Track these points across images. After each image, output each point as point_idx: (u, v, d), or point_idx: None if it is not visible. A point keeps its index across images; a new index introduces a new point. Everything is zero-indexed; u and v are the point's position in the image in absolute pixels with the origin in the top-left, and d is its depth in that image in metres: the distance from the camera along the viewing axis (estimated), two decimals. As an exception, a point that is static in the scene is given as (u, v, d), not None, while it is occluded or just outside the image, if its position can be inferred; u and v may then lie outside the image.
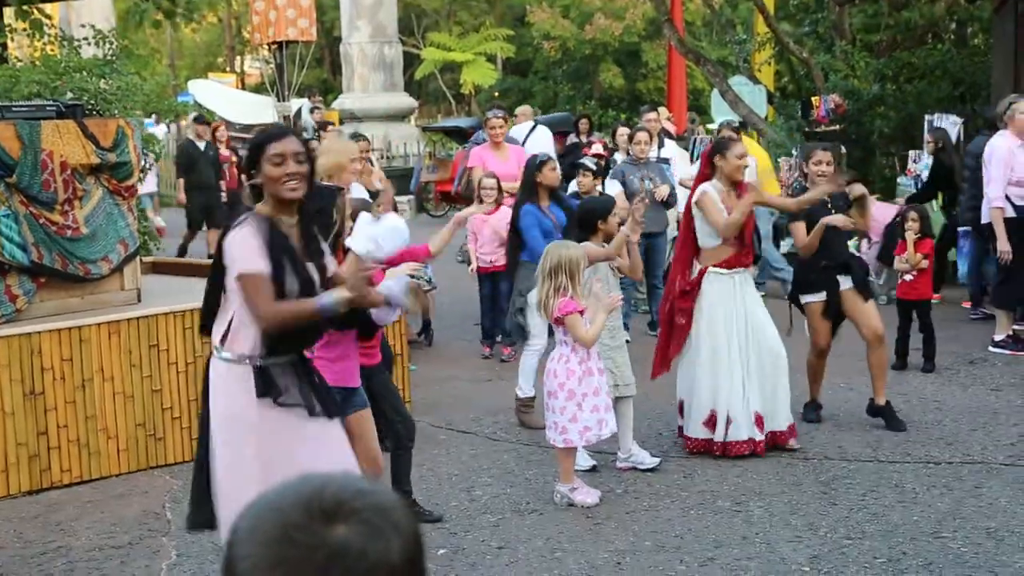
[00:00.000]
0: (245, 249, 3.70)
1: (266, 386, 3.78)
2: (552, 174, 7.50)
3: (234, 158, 14.15)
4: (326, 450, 3.89)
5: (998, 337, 8.58)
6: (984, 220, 8.83)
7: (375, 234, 4.33)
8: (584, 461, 6.07)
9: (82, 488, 6.03)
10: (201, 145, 13.53)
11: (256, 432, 3.78)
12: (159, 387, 6.34)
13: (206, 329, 3.95)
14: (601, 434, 5.63)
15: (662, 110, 14.80)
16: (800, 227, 6.66)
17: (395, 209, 7.41)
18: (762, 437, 6.23)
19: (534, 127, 11.84)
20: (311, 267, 3.87)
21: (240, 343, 3.80)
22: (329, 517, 1.18)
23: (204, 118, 14.51)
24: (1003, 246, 8.38)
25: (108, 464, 6.18)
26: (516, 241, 7.46)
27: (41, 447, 5.95)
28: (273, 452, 3.78)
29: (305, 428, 3.85)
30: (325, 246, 4.03)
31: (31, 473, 5.93)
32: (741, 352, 6.23)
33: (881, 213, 9.23)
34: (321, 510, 1.19)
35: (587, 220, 6.24)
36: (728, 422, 6.20)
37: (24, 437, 5.89)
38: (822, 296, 6.67)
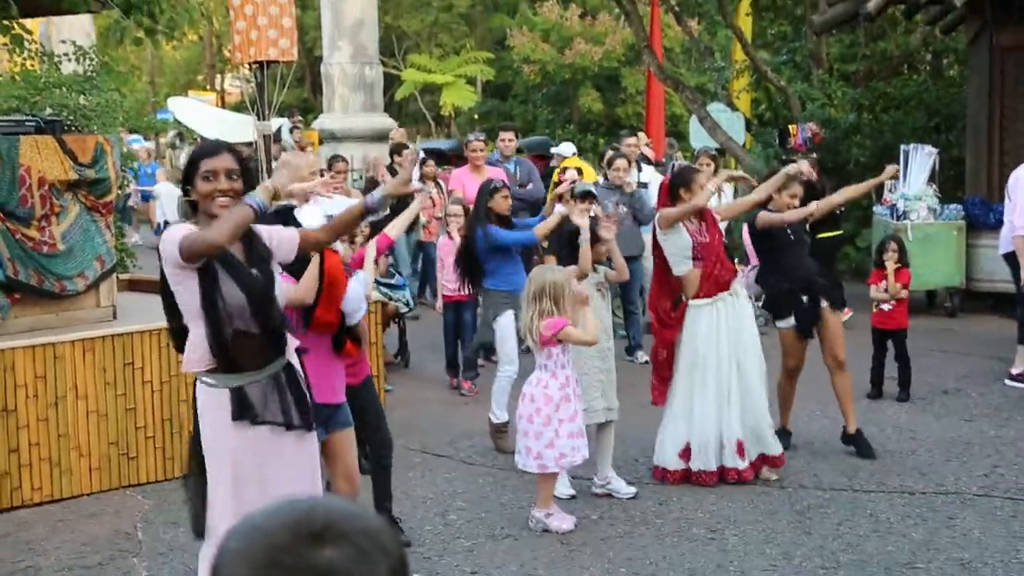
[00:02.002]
0: (177, 230, 3.66)
1: (241, 409, 3.75)
2: (504, 202, 7.29)
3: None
4: (297, 466, 3.87)
5: (1015, 371, 8.48)
6: (1004, 250, 8.78)
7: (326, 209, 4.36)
8: (564, 489, 6.06)
9: (53, 507, 5.97)
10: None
11: (232, 457, 3.76)
12: (133, 405, 6.29)
13: (180, 347, 3.90)
14: (574, 460, 5.64)
15: (641, 135, 14.87)
16: (764, 214, 6.64)
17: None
18: (746, 465, 6.24)
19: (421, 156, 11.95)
20: (256, 272, 3.80)
21: (200, 362, 3.74)
22: (317, 540, 1.18)
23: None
24: None
25: (80, 483, 6.12)
26: (473, 268, 7.26)
27: (12, 465, 5.89)
28: (246, 471, 3.77)
29: (280, 444, 3.82)
30: (271, 250, 3.93)
31: (1, 491, 5.86)
32: (724, 383, 6.22)
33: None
34: (309, 533, 1.18)
35: (568, 243, 6.29)
36: (721, 448, 6.21)
37: (-5, 455, 5.83)
38: (791, 322, 6.71)
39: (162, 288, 3.82)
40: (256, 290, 3.75)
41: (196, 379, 3.86)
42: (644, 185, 10.48)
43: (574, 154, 12.43)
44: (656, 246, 6.49)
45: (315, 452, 4.01)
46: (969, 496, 6.02)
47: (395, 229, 5.79)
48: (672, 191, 6.42)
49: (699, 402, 6.23)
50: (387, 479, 5.37)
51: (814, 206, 6.79)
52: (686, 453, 6.26)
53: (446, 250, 8.64)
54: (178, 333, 3.87)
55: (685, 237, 6.28)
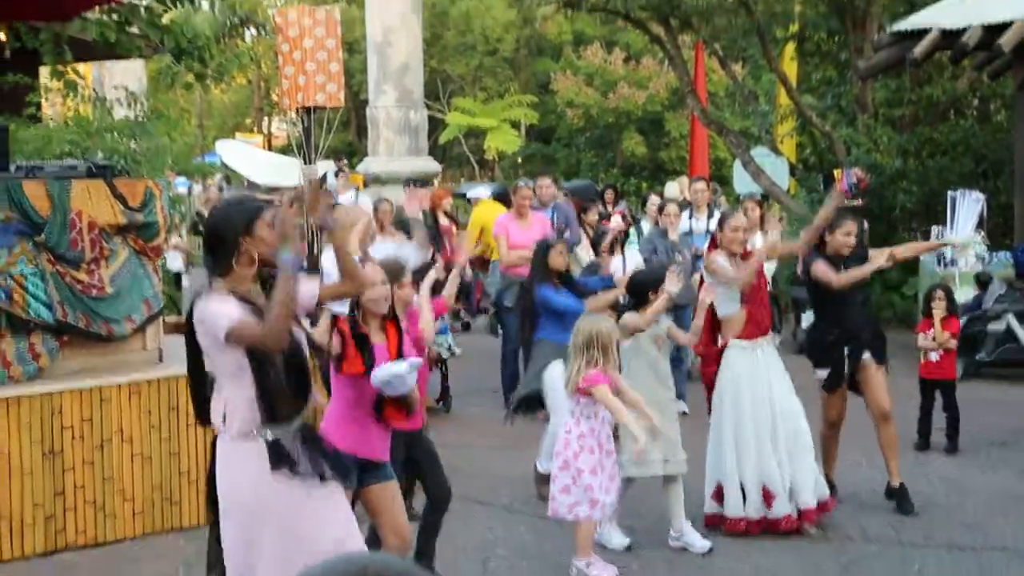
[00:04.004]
0: (222, 307, 3.65)
1: (279, 458, 3.74)
2: (560, 258, 7.20)
3: (455, 229, 12.63)
4: (334, 517, 3.87)
5: None
6: None
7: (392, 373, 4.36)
8: (619, 540, 6.02)
9: (96, 551, 6.00)
10: (419, 214, 11.91)
11: (272, 509, 3.74)
12: (177, 450, 6.33)
13: (203, 418, 3.89)
14: (591, 514, 5.55)
15: (683, 179, 14.88)
16: (820, 265, 6.54)
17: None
18: (782, 515, 6.17)
19: (356, 197, 12.18)
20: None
21: (241, 419, 3.75)
22: None
23: (419, 180, 12.94)
24: None
25: (123, 527, 6.15)
26: (530, 321, 7.23)
27: (57, 508, 5.94)
28: (292, 525, 3.76)
29: (314, 497, 3.82)
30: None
31: (47, 534, 5.91)
32: (763, 427, 6.18)
33: None
34: None
35: (638, 291, 6.26)
36: (770, 496, 6.15)
37: (41, 497, 5.88)
38: (827, 371, 6.66)
39: (189, 348, 3.81)
40: (294, 343, 3.78)
41: (216, 439, 3.84)
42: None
43: (489, 196, 12.62)
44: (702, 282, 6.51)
45: (347, 505, 4.01)
46: (1020, 552, 5.90)
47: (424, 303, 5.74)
48: (715, 237, 6.48)
49: (738, 444, 6.18)
50: (435, 533, 5.33)
51: (869, 267, 6.59)
52: (718, 495, 6.20)
53: None
54: (203, 400, 3.87)
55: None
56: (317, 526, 3.80)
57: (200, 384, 3.85)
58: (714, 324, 6.45)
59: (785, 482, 6.14)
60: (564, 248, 7.35)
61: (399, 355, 4.73)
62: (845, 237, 6.57)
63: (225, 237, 3.77)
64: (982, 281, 10.95)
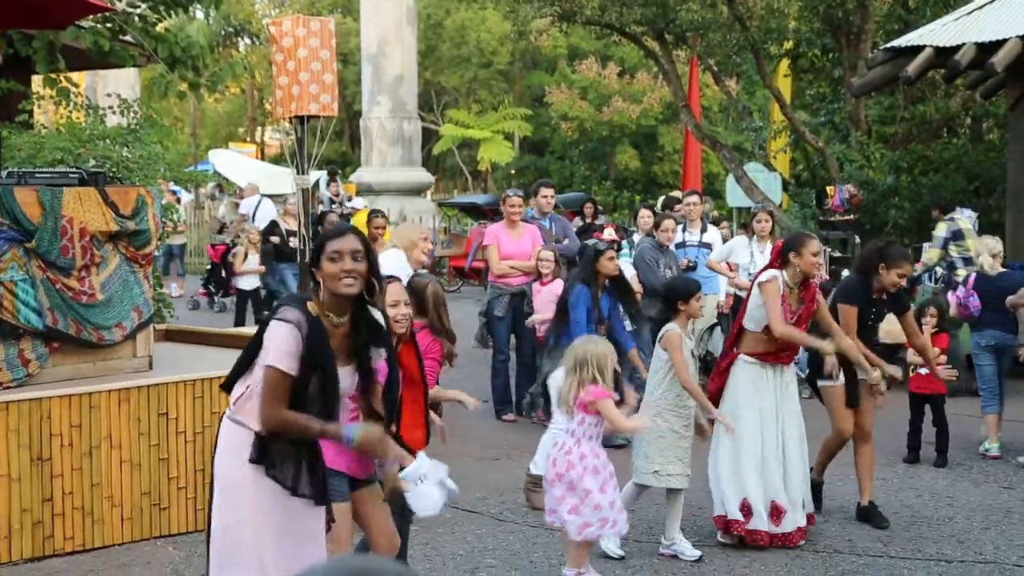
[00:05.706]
0: (283, 345, 3.77)
1: (261, 454, 3.87)
2: (610, 263, 7.39)
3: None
4: (306, 532, 3.96)
5: None
6: None
7: (417, 489, 4.37)
8: (616, 549, 6.01)
9: (84, 556, 5.98)
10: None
11: (250, 496, 3.86)
12: (166, 456, 6.31)
13: (228, 387, 4.06)
14: (603, 532, 5.49)
15: (676, 193, 14.91)
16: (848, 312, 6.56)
17: None
18: (779, 530, 6.18)
19: (260, 201, 12.35)
20: (345, 371, 3.95)
21: (247, 412, 3.91)
22: None
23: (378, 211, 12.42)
24: None
25: (112, 533, 6.13)
26: (563, 320, 7.36)
27: (45, 514, 5.91)
28: (263, 520, 3.87)
29: (291, 503, 3.92)
30: (375, 351, 4.06)
31: (34, 540, 5.88)
32: (764, 444, 6.18)
33: None
34: None
35: (669, 300, 6.22)
36: (751, 512, 6.15)
37: (29, 503, 5.86)
38: (839, 383, 6.62)
39: (254, 340, 3.95)
40: (331, 386, 3.87)
41: (225, 416, 4.02)
42: (708, 245, 10.52)
43: (364, 207, 12.80)
44: (750, 291, 6.48)
45: (320, 528, 4.06)
46: (1008, 566, 5.91)
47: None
48: (784, 253, 6.35)
49: (742, 460, 6.18)
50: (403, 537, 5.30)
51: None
52: (746, 509, 6.18)
53: (533, 292, 9.03)
54: (237, 375, 4.03)
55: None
56: (289, 531, 3.91)
57: (245, 362, 4.00)
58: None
59: (769, 499, 6.16)
60: (614, 254, 7.47)
61: (423, 379, 4.81)
62: (900, 278, 6.54)
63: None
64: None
